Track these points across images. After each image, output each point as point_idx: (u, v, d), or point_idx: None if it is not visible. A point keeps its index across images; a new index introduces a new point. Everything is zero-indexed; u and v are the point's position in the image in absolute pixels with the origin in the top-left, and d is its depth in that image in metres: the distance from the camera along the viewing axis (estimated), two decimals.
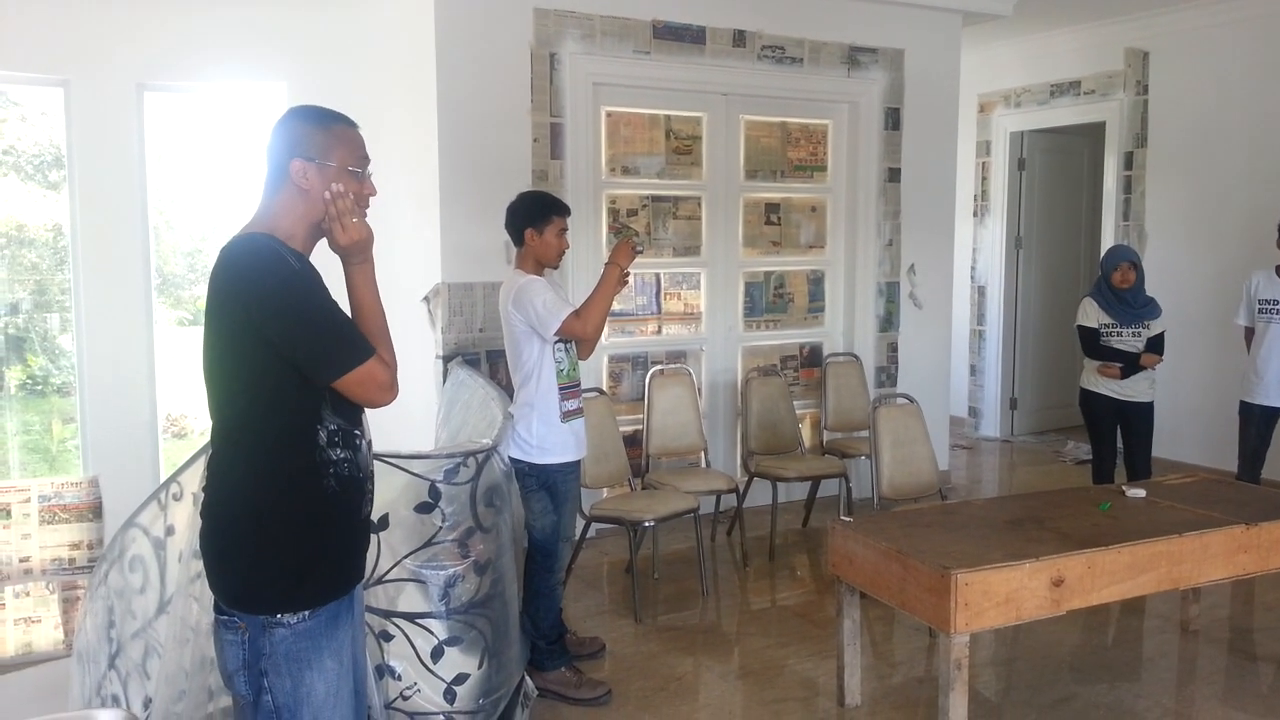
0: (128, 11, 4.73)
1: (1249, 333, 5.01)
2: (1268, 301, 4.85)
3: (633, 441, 5.00)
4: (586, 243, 5.00)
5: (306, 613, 1.82)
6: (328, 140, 1.88)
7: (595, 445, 4.40)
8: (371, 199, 1.96)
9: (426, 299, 4.71)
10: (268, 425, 1.82)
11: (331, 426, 1.86)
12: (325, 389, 1.84)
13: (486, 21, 4.69)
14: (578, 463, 3.58)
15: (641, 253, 3.60)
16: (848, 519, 3.45)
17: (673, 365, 5.30)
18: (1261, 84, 6.14)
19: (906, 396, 4.68)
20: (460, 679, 2.60)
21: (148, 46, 4.80)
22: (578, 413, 3.50)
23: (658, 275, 5.44)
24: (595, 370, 5.15)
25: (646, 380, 5.06)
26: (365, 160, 1.93)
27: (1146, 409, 4.87)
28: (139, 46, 4.78)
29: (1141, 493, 3.73)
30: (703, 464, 5.09)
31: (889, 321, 6.02)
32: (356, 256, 1.92)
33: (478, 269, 4.70)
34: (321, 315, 1.80)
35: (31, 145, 5.64)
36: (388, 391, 1.87)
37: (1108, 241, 6.90)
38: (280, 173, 1.87)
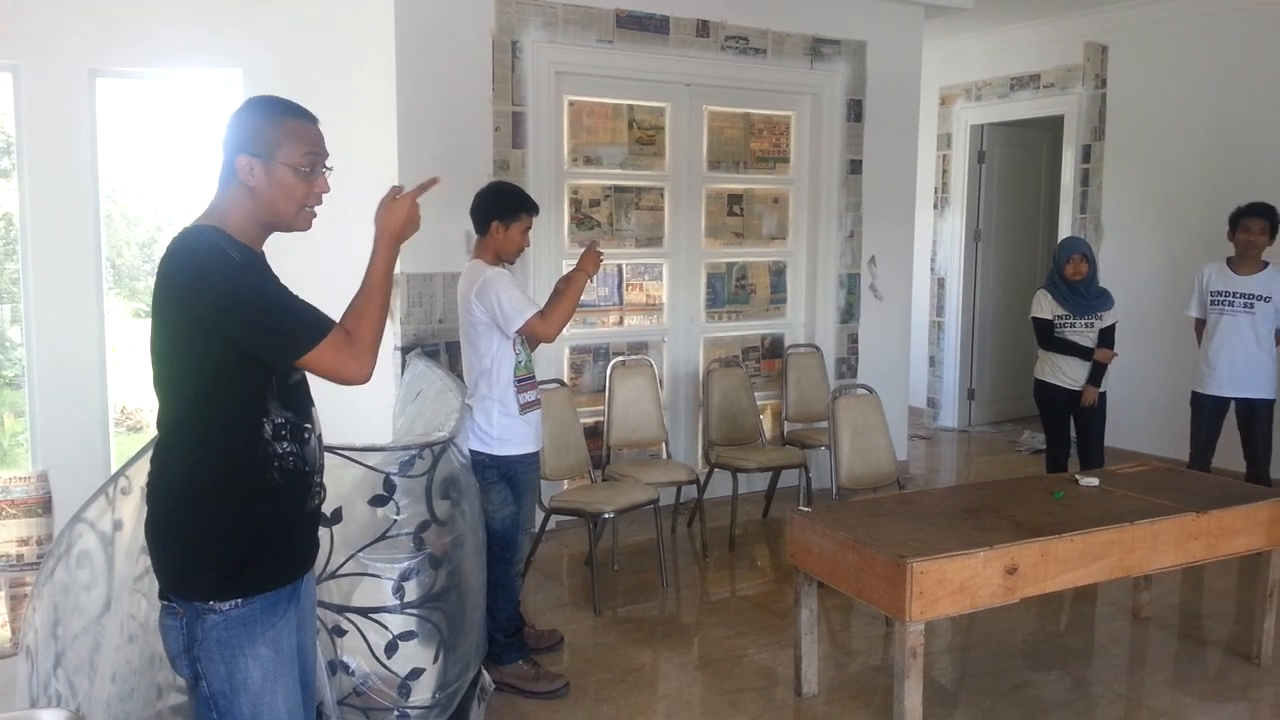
0: None
1: (1199, 324, 5.09)
2: (1219, 293, 4.92)
3: (593, 433, 5.00)
4: (548, 233, 4.97)
5: (239, 600, 1.83)
6: (277, 136, 1.86)
7: (556, 437, 4.39)
8: (324, 195, 1.94)
9: None
10: (210, 417, 1.83)
11: (278, 420, 1.86)
12: (271, 381, 1.84)
13: (447, 7, 4.64)
14: (537, 454, 3.58)
15: (603, 257, 3.61)
16: (806, 509, 3.47)
17: (634, 356, 5.30)
18: (1218, 79, 6.23)
19: (866, 387, 4.71)
20: (415, 673, 2.59)
21: (100, 32, 4.68)
22: (535, 404, 3.49)
23: (620, 266, 5.43)
24: (556, 361, 5.13)
25: (608, 371, 5.05)
26: (315, 157, 1.89)
27: (1099, 399, 4.94)
28: (91, 32, 4.67)
29: (1094, 481, 3.78)
30: (664, 455, 5.10)
31: (850, 313, 6.05)
32: (393, 238, 1.96)
33: (437, 259, 4.66)
34: (269, 301, 1.80)
35: None
36: (351, 365, 1.82)
37: (1065, 234, 6.98)
38: (230, 166, 1.87)
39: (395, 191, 1.99)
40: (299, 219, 1.91)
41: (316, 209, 1.95)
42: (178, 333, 1.80)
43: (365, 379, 1.86)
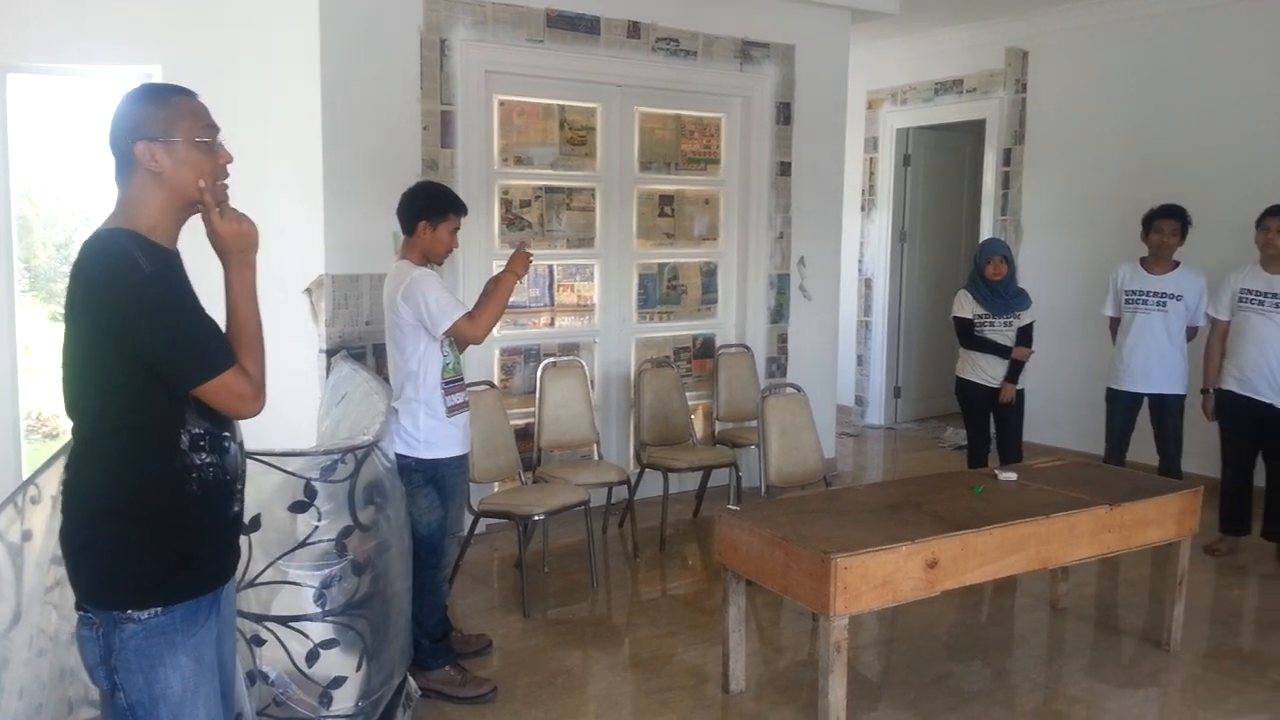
0: None
1: (1113, 323, 5.25)
2: (1133, 293, 5.08)
3: (524, 435, 4.98)
4: (478, 234, 4.94)
5: (159, 609, 1.80)
6: (168, 115, 1.83)
7: (485, 439, 4.37)
8: (230, 166, 1.91)
9: (308, 291, 4.60)
10: (123, 428, 1.79)
11: (195, 430, 1.83)
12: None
13: (374, 5, 4.58)
14: (465, 457, 3.56)
15: (532, 258, 3.60)
16: (734, 508, 3.50)
17: (565, 358, 5.29)
18: (1134, 84, 6.42)
19: (794, 386, 4.77)
20: (337, 682, 2.55)
21: (12, 25, 4.53)
22: (463, 407, 3.47)
23: (551, 267, 5.42)
24: (486, 363, 5.10)
25: (538, 373, 5.04)
26: (212, 129, 1.87)
27: (1017, 396, 5.07)
28: (2, 25, 4.51)
29: (1013, 476, 3.88)
30: (595, 456, 5.10)
31: (779, 313, 6.12)
32: (236, 255, 1.86)
33: (364, 260, 4.60)
34: (174, 323, 1.76)
35: None
36: (248, 403, 1.82)
37: (986, 235, 7.14)
38: (127, 160, 1.83)
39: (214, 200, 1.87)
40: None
41: (226, 181, 1.90)
42: (88, 342, 1.76)
43: (256, 414, 1.85)
